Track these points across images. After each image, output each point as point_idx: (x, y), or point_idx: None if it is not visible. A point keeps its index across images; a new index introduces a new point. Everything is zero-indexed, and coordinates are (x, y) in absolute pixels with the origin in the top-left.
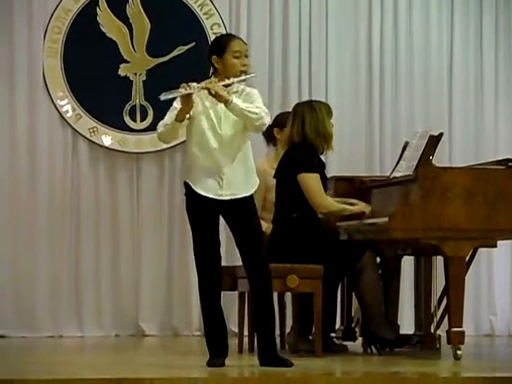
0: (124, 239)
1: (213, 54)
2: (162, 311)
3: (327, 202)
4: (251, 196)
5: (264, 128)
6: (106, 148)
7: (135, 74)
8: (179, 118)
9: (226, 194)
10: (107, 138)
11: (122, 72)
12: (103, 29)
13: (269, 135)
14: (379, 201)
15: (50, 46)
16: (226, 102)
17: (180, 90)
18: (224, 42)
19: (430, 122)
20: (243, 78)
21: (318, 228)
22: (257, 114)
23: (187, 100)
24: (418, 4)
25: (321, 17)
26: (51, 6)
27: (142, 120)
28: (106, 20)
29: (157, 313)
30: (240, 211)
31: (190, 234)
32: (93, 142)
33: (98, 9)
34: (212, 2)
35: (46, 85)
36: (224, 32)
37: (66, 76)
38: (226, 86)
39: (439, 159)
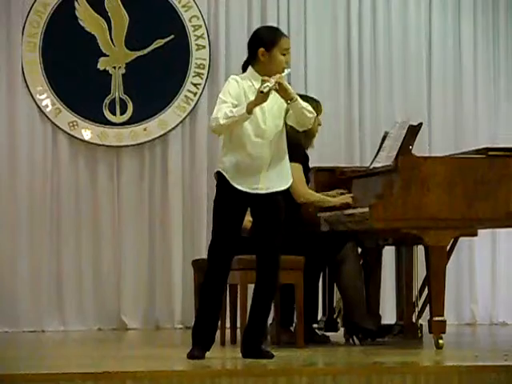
0: (105, 233)
1: (261, 46)
2: (144, 304)
3: (307, 191)
4: (284, 191)
5: (311, 126)
6: (86, 142)
7: (114, 67)
8: (251, 111)
9: (262, 188)
10: (87, 131)
11: (101, 66)
12: (81, 23)
13: None
14: (360, 191)
15: (29, 40)
16: (291, 99)
17: (267, 84)
18: (274, 36)
19: (410, 111)
20: (285, 73)
21: (299, 219)
22: (312, 112)
23: (266, 95)
24: None
25: (299, 8)
26: (29, 0)
27: (122, 113)
28: (85, 14)
29: (139, 306)
30: (270, 205)
31: (171, 226)
32: (73, 136)
33: (76, 3)
34: None
35: (25, 79)
36: (202, 24)
37: (45, 70)
38: None
39: (419, 149)
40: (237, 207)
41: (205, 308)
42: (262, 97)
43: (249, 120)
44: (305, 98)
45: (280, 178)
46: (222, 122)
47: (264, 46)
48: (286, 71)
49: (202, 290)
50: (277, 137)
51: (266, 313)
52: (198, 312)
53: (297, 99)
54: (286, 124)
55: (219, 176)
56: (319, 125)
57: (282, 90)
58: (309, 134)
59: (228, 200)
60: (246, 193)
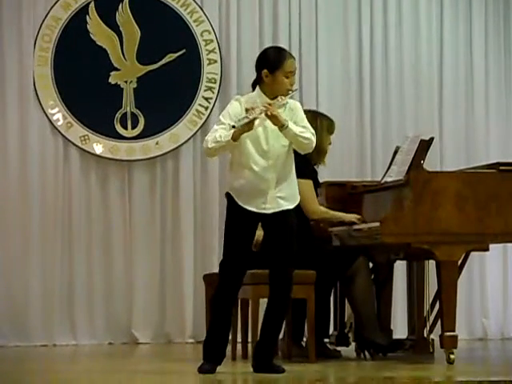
0: (116, 247)
1: (264, 68)
2: (155, 319)
3: (319, 209)
4: (293, 209)
5: (311, 150)
6: (98, 156)
7: (126, 81)
8: (236, 138)
9: (269, 208)
10: (98, 146)
11: (112, 80)
12: (93, 37)
13: None
14: (371, 206)
15: (41, 54)
16: (282, 126)
17: (247, 115)
18: (279, 59)
19: (421, 126)
20: (290, 94)
21: (310, 234)
22: (308, 139)
23: (251, 124)
24: (409, 11)
25: (311, 24)
26: (41, 15)
27: (133, 128)
28: (96, 28)
29: (150, 320)
30: (280, 223)
31: (183, 240)
32: (84, 150)
33: (87, 17)
34: (202, 9)
35: (37, 93)
36: (213, 38)
37: (57, 84)
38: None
39: (430, 164)
40: (246, 226)
41: (216, 322)
42: (246, 126)
43: (251, 140)
44: (318, 115)
45: (287, 197)
46: (210, 145)
47: (268, 67)
48: (291, 93)
49: (213, 305)
50: (282, 157)
51: (278, 328)
52: (209, 327)
53: (287, 126)
54: None
55: (228, 196)
56: (329, 144)
57: (270, 118)
58: (320, 151)
59: (237, 219)
60: (254, 213)
